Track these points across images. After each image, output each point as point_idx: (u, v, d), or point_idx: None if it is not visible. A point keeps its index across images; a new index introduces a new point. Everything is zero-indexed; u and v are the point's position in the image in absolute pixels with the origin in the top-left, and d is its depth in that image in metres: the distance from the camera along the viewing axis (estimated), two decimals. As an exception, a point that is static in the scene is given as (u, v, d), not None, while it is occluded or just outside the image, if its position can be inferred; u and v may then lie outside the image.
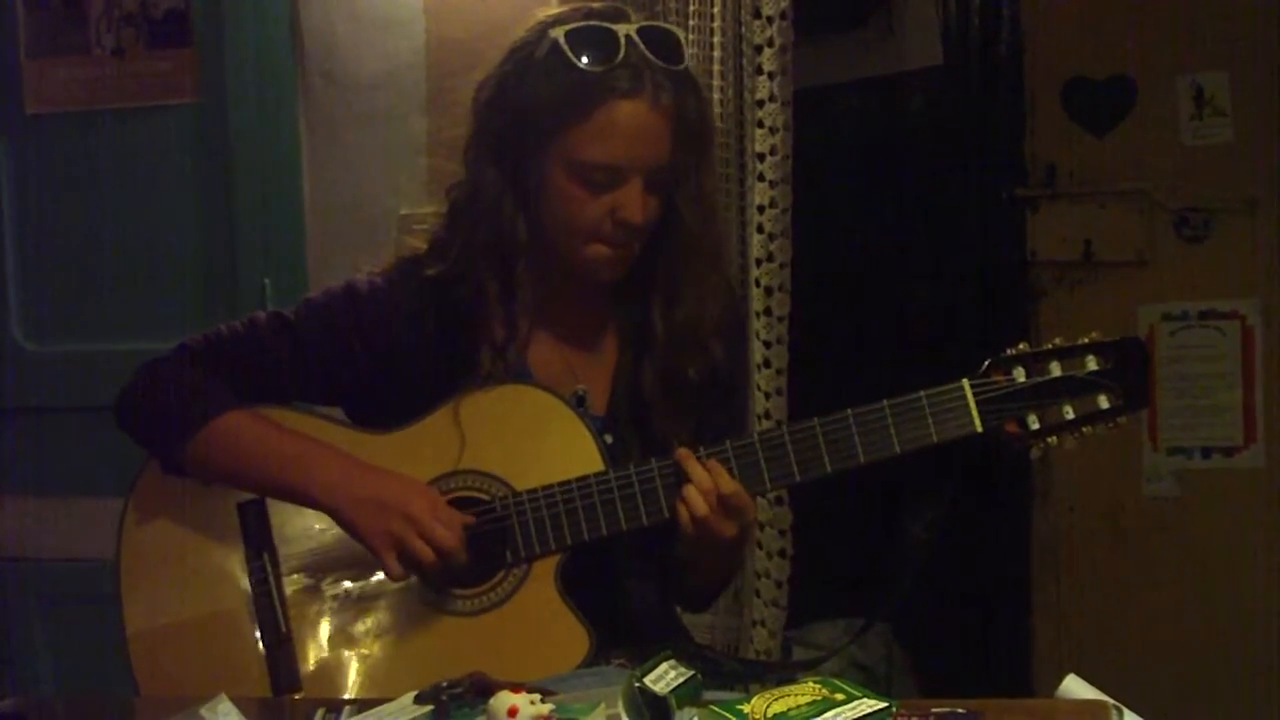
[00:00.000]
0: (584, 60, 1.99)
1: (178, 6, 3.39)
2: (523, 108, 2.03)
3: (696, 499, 1.95)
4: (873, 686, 1.67)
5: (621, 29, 2.01)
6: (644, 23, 2.06)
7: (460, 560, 1.98)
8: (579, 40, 2.00)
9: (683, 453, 1.97)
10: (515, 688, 1.64)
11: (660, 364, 2.11)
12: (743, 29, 3.08)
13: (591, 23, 2.02)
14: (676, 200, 2.07)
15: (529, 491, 2.00)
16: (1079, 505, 3.80)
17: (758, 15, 3.05)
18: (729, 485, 1.95)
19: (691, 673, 1.67)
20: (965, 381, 1.95)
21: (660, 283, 2.11)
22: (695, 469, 1.96)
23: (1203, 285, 3.74)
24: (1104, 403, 1.95)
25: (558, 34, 2.00)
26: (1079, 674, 1.78)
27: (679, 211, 2.07)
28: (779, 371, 3.11)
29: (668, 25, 2.12)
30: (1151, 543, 3.76)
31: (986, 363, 1.96)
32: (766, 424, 3.04)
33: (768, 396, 3.08)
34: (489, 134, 2.08)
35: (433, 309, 2.10)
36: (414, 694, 1.73)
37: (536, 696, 1.63)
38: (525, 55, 2.04)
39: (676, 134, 2.03)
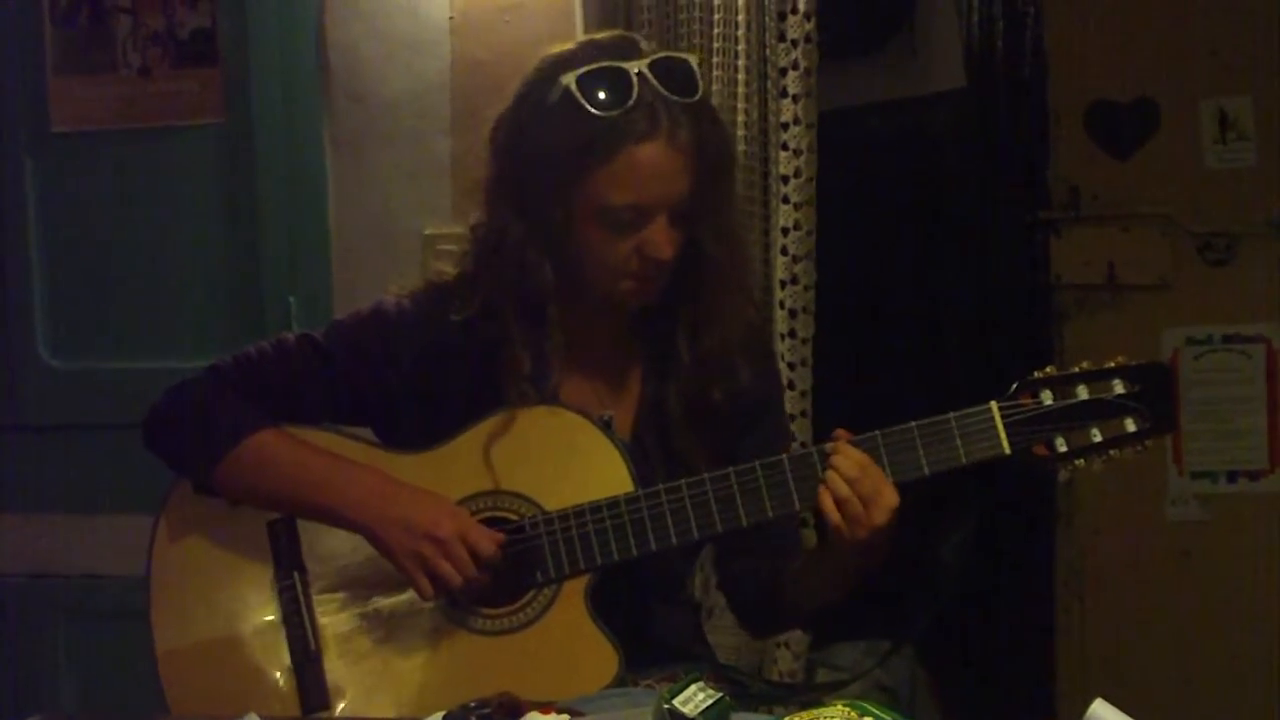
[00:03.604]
0: (597, 105, 1.96)
1: (204, 26, 3.40)
2: (539, 156, 2.01)
3: (837, 483, 1.93)
4: (896, 709, 1.67)
5: (632, 67, 1.98)
6: (655, 55, 2.03)
7: (484, 581, 1.98)
8: (591, 84, 1.97)
9: (839, 433, 1.96)
10: (544, 708, 1.65)
11: (687, 389, 2.11)
12: (767, 52, 3.09)
13: (602, 64, 1.99)
14: (699, 232, 2.06)
15: (559, 512, 2.00)
16: (1103, 529, 3.79)
17: (782, 39, 3.06)
18: (864, 459, 1.94)
19: (720, 694, 1.66)
20: (994, 404, 1.95)
21: (685, 313, 2.11)
22: (837, 457, 1.94)
23: (1227, 309, 3.73)
24: (1131, 426, 1.95)
25: (568, 80, 1.98)
26: (1103, 699, 1.77)
27: (700, 242, 2.07)
28: (803, 394, 3.11)
29: (680, 54, 2.08)
30: (1175, 567, 3.74)
31: (1014, 385, 1.96)
32: (792, 446, 3.04)
33: (792, 419, 3.08)
34: (508, 179, 2.07)
35: (459, 346, 2.10)
36: (443, 714, 1.73)
37: (566, 717, 1.63)
38: (536, 100, 2.03)
39: (697, 167, 2.02)
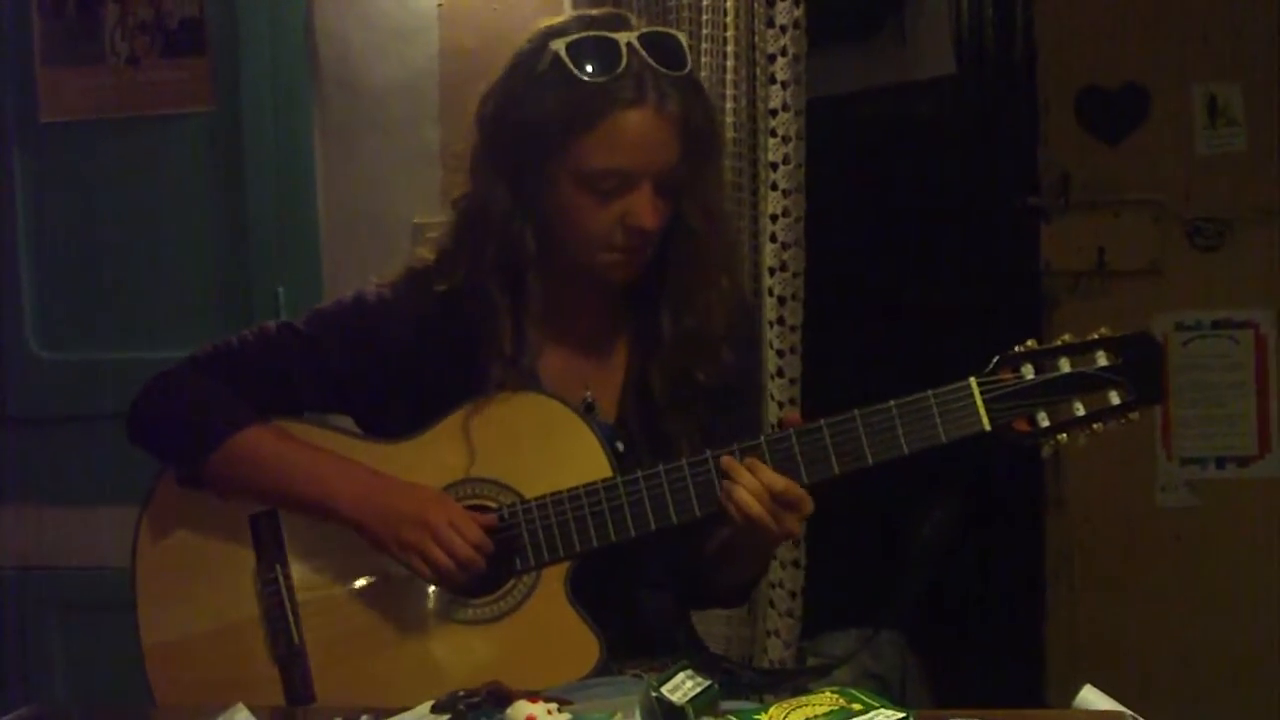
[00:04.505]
0: (586, 72, 1.96)
1: (192, 15, 3.39)
2: (527, 121, 2.01)
3: (747, 499, 1.93)
4: (887, 697, 1.67)
5: (622, 37, 1.99)
6: (645, 29, 2.03)
7: (480, 566, 1.98)
8: (580, 52, 1.98)
9: (728, 460, 1.95)
10: (532, 697, 1.65)
11: (669, 369, 2.10)
12: (756, 38, 3.08)
13: (592, 33, 2.00)
14: (683, 207, 2.05)
15: (537, 499, 2.00)
16: (1093, 515, 3.80)
17: (771, 24, 3.06)
18: (779, 482, 1.93)
19: (709, 682, 1.67)
20: (973, 380, 1.93)
21: (669, 289, 2.10)
22: (740, 471, 1.94)
23: (1216, 294, 3.74)
24: (1115, 399, 1.92)
25: (558, 46, 1.98)
26: (1092, 685, 1.78)
27: (685, 218, 2.06)
28: (792, 381, 3.11)
29: (670, 30, 2.10)
30: (1165, 553, 3.76)
31: (994, 360, 1.95)
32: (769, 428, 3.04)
33: (781, 406, 3.09)
34: (495, 148, 2.06)
35: (442, 322, 2.10)
36: (431, 703, 1.74)
37: (554, 706, 1.63)
38: (527, 68, 2.03)
39: (683, 138, 2.01)
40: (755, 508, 1.93)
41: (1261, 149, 3.71)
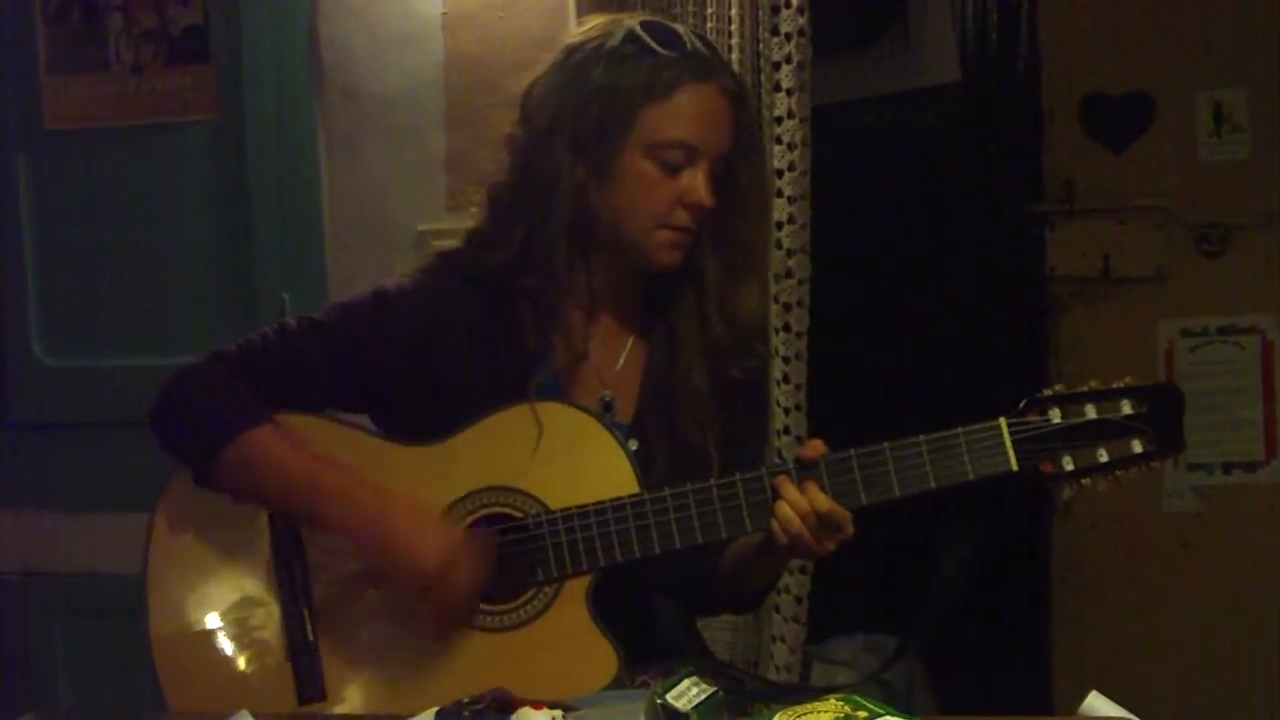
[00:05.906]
0: (661, 45, 2.06)
1: (196, 23, 3.40)
2: (602, 90, 2.06)
3: (791, 518, 1.95)
4: (893, 703, 1.67)
5: (679, 28, 2.11)
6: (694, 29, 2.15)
7: (470, 619, 2.00)
8: (651, 30, 2.08)
9: (781, 479, 1.97)
10: (536, 704, 1.64)
11: (710, 361, 2.13)
12: (760, 46, 3.08)
13: (657, 18, 2.13)
14: (738, 178, 2.12)
15: (563, 511, 2.00)
16: (1099, 522, 3.79)
17: (775, 32, 3.06)
18: (825, 503, 1.94)
19: (714, 689, 1.66)
20: (1002, 420, 1.95)
21: (713, 278, 2.13)
22: (790, 491, 1.95)
23: (1222, 300, 3.74)
24: (1137, 447, 1.96)
25: (632, 23, 2.08)
26: (1099, 691, 1.78)
27: (740, 190, 2.13)
28: (798, 387, 3.11)
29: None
30: (1172, 559, 3.75)
31: (1023, 402, 1.97)
32: (786, 439, 3.04)
33: (787, 412, 3.08)
34: (563, 121, 2.08)
35: (464, 308, 2.11)
36: (435, 710, 1.73)
37: (558, 713, 1.63)
38: (592, 50, 2.08)
39: (735, 124, 2.11)
40: (797, 525, 1.95)
41: (1266, 155, 3.70)
